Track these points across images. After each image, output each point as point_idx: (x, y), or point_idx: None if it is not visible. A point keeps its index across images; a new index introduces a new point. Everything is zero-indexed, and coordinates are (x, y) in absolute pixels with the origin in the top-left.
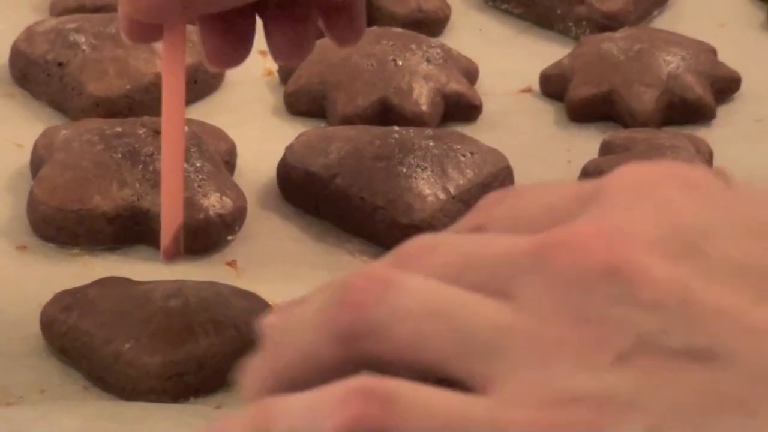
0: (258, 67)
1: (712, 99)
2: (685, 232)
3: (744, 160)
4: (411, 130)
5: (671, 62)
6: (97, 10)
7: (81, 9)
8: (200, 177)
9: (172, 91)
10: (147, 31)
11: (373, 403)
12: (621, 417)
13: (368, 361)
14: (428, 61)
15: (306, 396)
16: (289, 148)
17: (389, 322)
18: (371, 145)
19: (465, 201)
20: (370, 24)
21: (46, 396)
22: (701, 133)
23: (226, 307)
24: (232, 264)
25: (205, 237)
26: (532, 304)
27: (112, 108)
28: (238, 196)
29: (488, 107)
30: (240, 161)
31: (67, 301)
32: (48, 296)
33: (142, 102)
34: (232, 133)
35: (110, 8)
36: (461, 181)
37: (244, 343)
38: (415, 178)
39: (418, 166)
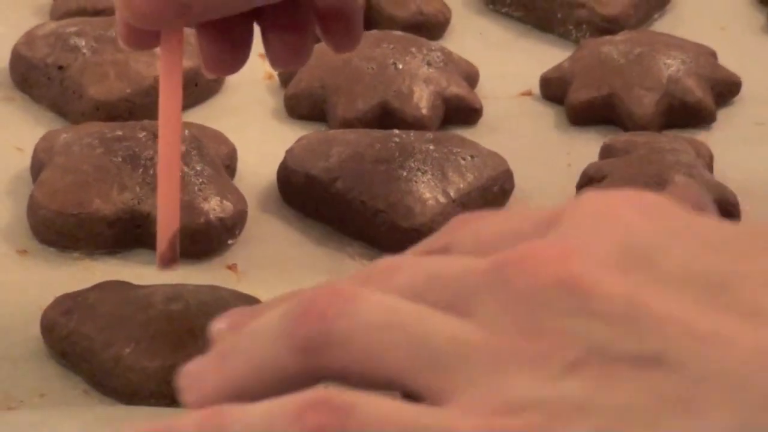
0: (258, 70)
1: (713, 102)
2: (637, 247)
3: (744, 163)
4: (411, 134)
5: (671, 65)
6: (97, 13)
7: (81, 12)
8: (200, 181)
9: (169, 97)
10: (144, 38)
11: (331, 414)
12: (570, 421)
13: (327, 374)
14: (428, 64)
15: (263, 405)
16: (289, 152)
17: (349, 334)
18: (371, 148)
19: (465, 204)
20: (370, 27)
21: (47, 400)
22: (701, 136)
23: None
24: (232, 268)
25: (205, 241)
26: (489, 318)
27: (112, 111)
28: (239, 199)
29: (488, 111)
30: (240, 165)
31: (67, 305)
32: (48, 300)
33: (142, 105)
34: (233, 137)
35: (110, 12)
36: (462, 185)
37: None
38: (416, 182)
39: (418, 169)
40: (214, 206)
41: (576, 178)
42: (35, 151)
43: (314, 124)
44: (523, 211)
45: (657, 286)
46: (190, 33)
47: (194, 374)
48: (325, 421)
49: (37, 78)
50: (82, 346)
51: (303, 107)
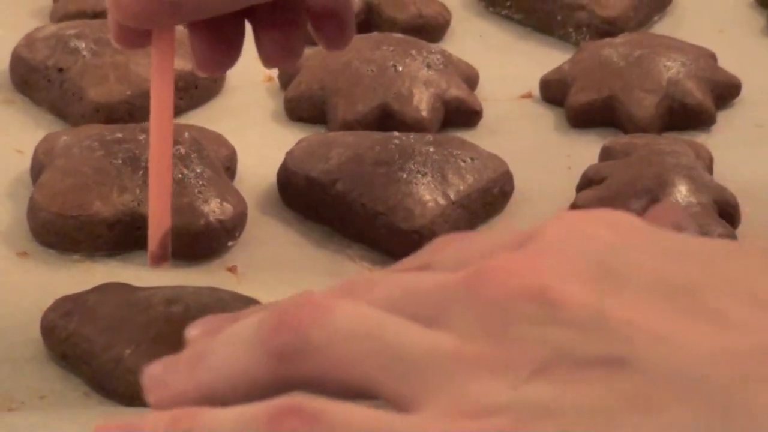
0: (258, 72)
1: (712, 104)
2: (604, 260)
3: (744, 166)
4: (411, 136)
5: (671, 68)
6: (97, 15)
7: (81, 15)
8: (200, 183)
9: (160, 95)
10: (136, 37)
11: (303, 420)
12: (535, 423)
13: (299, 383)
14: (428, 66)
15: (234, 410)
16: (289, 154)
17: (323, 342)
18: (371, 150)
19: (465, 206)
20: (370, 29)
21: (47, 402)
22: (701, 138)
23: (227, 313)
24: (232, 269)
25: (205, 242)
26: (461, 327)
27: (112, 114)
28: (239, 201)
29: (488, 113)
30: (240, 167)
31: (67, 307)
32: (48, 302)
33: (142, 108)
34: (233, 139)
35: None
36: (461, 187)
37: None
38: (416, 184)
39: (418, 171)
40: (214, 208)
41: (576, 180)
42: (35, 153)
43: (314, 127)
44: (505, 232)
45: (622, 295)
46: (185, 34)
47: (160, 375)
48: (298, 425)
49: (37, 80)
50: (82, 348)
51: (303, 109)
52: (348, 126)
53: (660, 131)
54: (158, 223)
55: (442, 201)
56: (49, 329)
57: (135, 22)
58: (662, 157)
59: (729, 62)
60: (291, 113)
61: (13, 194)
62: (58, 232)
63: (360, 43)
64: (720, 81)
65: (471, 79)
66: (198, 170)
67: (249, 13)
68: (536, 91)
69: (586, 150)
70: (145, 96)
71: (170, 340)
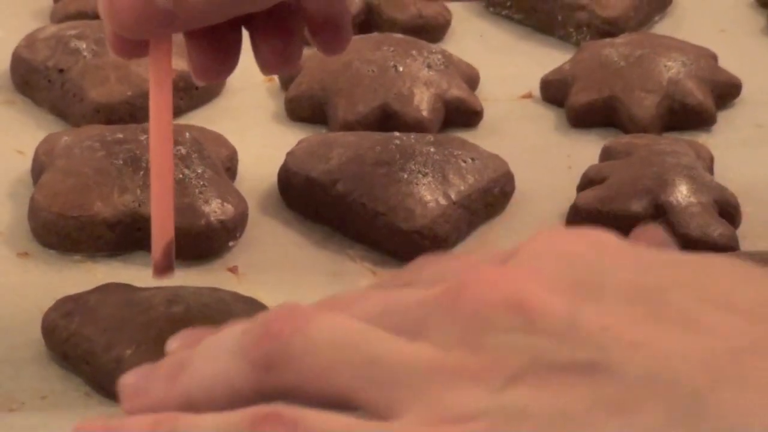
0: (258, 73)
1: (713, 104)
2: (580, 272)
3: (745, 166)
4: (412, 136)
5: (672, 68)
6: (97, 16)
7: (82, 15)
8: (201, 183)
9: (159, 105)
10: (133, 47)
11: (283, 426)
12: (512, 427)
13: (279, 393)
14: (429, 67)
15: (215, 416)
16: (290, 154)
17: (303, 351)
18: (372, 151)
19: (466, 207)
20: (370, 30)
21: (48, 402)
22: (702, 138)
23: (228, 313)
24: (233, 270)
25: (206, 243)
26: (439, 338)
27: (113, 114)
28: (239, 201)
29: (489, 113)
30: (241, 167)
31: (68, 308)
32: (49, 302)
33: (143, 108)
34: (233, 139)
35: None
36: (462, 187)
37: None
38: (416, 184)
39: (419, 172)
40: (215, 208)
41: (576, 181)
42: (36, 153)
43: (315, 127)
44: (489, 251)
45: (597, 303)
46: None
47: (139, 383)
48: (279, 430)
49: (38, 81)
50: (83, 349)
51: (303, 110)
52: (349, 126)
53: (660, 131)
54: (161, 234)
55: (442, 201)
56: (50, 329)
57: (130, 33)
58: (663, 157)
59: (729, 62)
60: (291, 113)
61: (14, 195)
62: (59, 232)
63: (360, 43)
64: (720, 81)
65: (471, 80)
66: (199, 170)
67: (246, 20)
68: (537, 91)
69: (586, 150)
70: (146, 96)
71: None
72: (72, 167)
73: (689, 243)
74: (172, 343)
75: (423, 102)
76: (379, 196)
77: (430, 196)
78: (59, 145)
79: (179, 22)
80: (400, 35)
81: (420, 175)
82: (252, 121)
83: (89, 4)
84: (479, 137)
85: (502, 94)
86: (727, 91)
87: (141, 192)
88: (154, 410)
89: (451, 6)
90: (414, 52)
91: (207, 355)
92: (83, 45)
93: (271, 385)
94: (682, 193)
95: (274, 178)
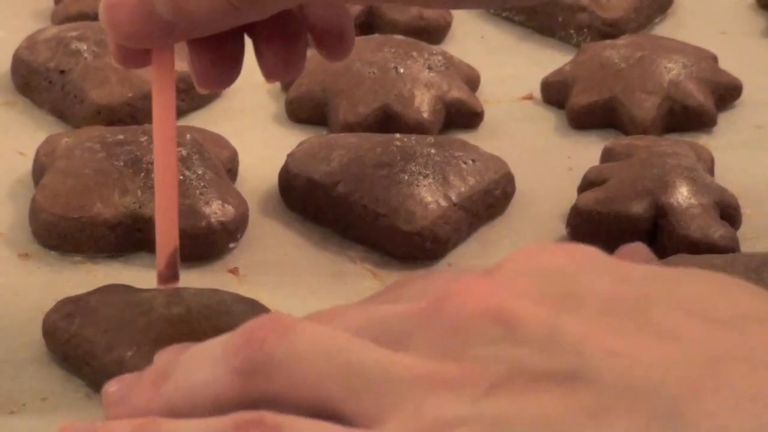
0: (259, 74)
1: (714, 106)
2: (561, 283)
3: (745, 167)
4: (412, 138)
5: (672, 69)
6: (98, 17)
7: (82, 17)
8: (202, 184)
9: (163, 115)
10: (136, 56)
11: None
12: None
13: (261, 401)
14: (430, 68)
15: (197, 422)
16: (290, 156)
17: (287, 360)
18: (373, 152)
19: (467, 208)
20: (371, 32)
21: (48, 404)
22: (702, 140)
23: (228, 315)
24: (233, 271)
25: (206, 244)
26: (421, 348)
27: (113, 115)
28: (240, 203)
29: (490, 114)
30: (242, 169)
31: (69, 309)
32: (50, 304)
33: (143, 109)
34: (234, 141)
35: None
36: (463, 189)
37: None
38: (417, 186)
39: (419, 173)
40: (216, 210)
41: (577, 182)
42: (37, 155)
43: (315, 128)
44: (468, 269)
45: (577, 314)
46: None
47: (123, 391)
48: None
49: (39, 82)
50: (84, 350)
51: (304, 111)
52: (349, 128)
53: (661, 133)
54: (165, 243)
55: (443, 203)
56: (51, 331)
57: (131, 43)
58: (663, 158)
59: (730, 64)
60: (292, 115)
61: (15, 196)
62: (60, 233)
63: (361, 45)
64: (721, 82)
65: (472, 81)
66: (199, 172)
67: (249, 28)
68: (537, 93)
69: (587, 151)
70: (147, 98)
71: (172, 342)
72: (73, 168)
73: (690, 245)
74: (161, 356)
75: (424, 103)
76: (379, 197)
77: (430, 197)
78: (60, 147)
79: (180, 32)
80: (400, 37)
81: (421, 177)
82: (253, 123)
83: (90, 6)
84: (480, 139)
85: (502, 96)
86: (727, 93)
87: (142, 193)
88: (137, 417)
89: None
90: (415, 54)
91: (190, 363)
92: (84, 46)
93: (254, 393)
94: (682, 195)
95: (275, 180)
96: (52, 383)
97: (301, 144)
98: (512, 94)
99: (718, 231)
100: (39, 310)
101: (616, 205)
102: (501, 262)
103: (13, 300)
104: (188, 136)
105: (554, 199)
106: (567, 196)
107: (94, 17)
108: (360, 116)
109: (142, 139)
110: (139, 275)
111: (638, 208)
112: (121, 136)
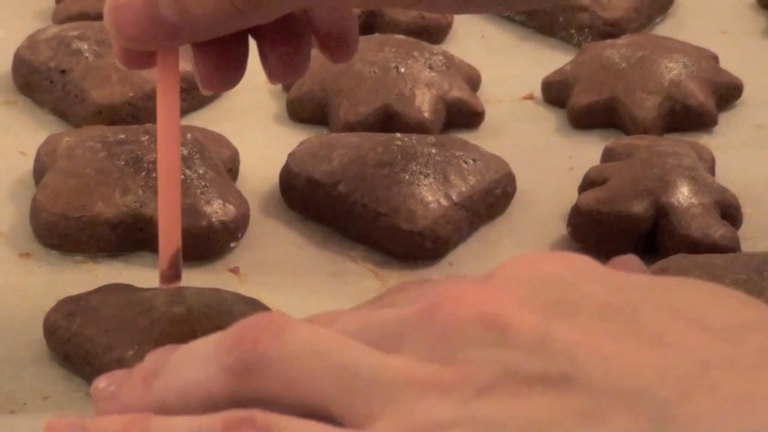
0: (260, 74)
1: (714, 106)
2: (554, 290)
3: (746, 167)
4: (413, 137)
5: (673, 69)
6: (99, 17)
7: (83, 16)
8: (203, 184)
9: (167, 117)
10: (141, 58)
11: (256, 430)
12: None
13: (253, 400)
14: (431, 68)
15: (187, 419)
16: (291, 155)
17: (279, 359)
18: (374, 152)
19: (467, 208)
20: (372, 31)
21: (49, 403)
22: (703, 140)
23: (229, 314)
24: (234, 270)
25: (207, 244)
26: (413, 351)
27: (114, 115)
28: (241, 202)
29: (490, 114)
30: (242, 168)
31: (70, 308)
32: (51, 303)
33: (144, 109)
34: (235, 140)
35: None
36: (464, 188)
37: None
38: (418, 185)
39: (420, 173)
40: (217, 209)
41: (578, 182)
42: (38, 154)
43: (316, 128)
44: (462, 276)
45: (569, 320)
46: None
47: (110, 388)
48: None
49: (40, 82)
50: (85, 349)
51: (305, 111)
52: (350, 127)
53: (662, 132)
54: (168, 244)
55: (444, 202)
56: (52, 330)
57: (136, 45)
58: (664, 158)
59: (731, 63)
60: (293, 114)
61: (16, 195)
62: (61, 233)
63: (362, 44)
64: (722, 82)
65: (473, 81)
66: (200, 171)
67: (253, 30)
68: (538, 93)
69: (588, 151)
70: (148, 97)
71: (172, 341)
72: (74, 168)
73: (690, 244)
74: (152, 356)
75: (424, 103)
76: (380, 197)
77: (431, 197)
78: (61, 146)
79: (184, 34)
80: (401, 36)
81: (421, 176)
82: (254, 122)
83: (91, 5)
84: (481, 138)
85: (503, 96)
86: (728, 93)
87: (143, 192)
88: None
89: None
90: (416, 54)
91: (182, 361)
92: (85, 46)
93: (245, 392)
94: (683, 195)
95: (276, 179)
96: (53, 382)
97: (302, 143)
98: (513, 93)
99: (718, 230)
100: (40, 309)
101: (616, 205)
102: (496, 270)
103: (13, 299)
104: (189, 135)
105: (555, 199)
106: (568, 195)
107: (95, 17)
108: (361, 116)
109: (143, 139)
110: (140, 274)
111: (639, 207)
112: (122, 136)
